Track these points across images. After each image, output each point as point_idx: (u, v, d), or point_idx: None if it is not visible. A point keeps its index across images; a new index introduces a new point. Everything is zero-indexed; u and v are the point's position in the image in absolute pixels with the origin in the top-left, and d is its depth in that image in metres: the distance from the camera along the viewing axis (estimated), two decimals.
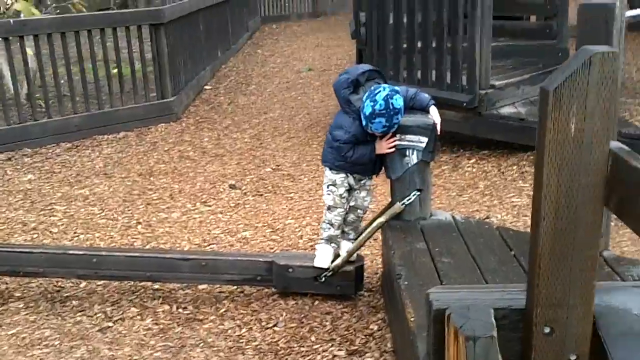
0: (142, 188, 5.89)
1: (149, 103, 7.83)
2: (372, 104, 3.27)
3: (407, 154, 3.43)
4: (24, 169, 6.51)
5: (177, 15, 8.23)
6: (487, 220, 4.82)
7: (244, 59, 11.81)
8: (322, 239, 3.71)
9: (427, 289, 2.72)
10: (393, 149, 3.45)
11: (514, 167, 5.67)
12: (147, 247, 4.75)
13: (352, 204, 3.69)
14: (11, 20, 7.07)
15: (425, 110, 3.49)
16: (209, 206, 5.43)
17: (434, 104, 3.54)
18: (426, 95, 3.56)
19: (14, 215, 5.39)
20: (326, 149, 3.58)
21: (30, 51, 7.20)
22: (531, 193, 4.89)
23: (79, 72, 7.43)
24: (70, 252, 4.02)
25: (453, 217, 3.58)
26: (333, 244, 3.70)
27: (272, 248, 4.58)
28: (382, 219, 3.50)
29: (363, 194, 3.67)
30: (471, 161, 5.98)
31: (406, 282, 2.82)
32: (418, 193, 3.47)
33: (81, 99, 7.51)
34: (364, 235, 3.54)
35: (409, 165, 3.43)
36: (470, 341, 1.88)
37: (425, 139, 3.39)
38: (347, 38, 9.13)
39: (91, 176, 6.26)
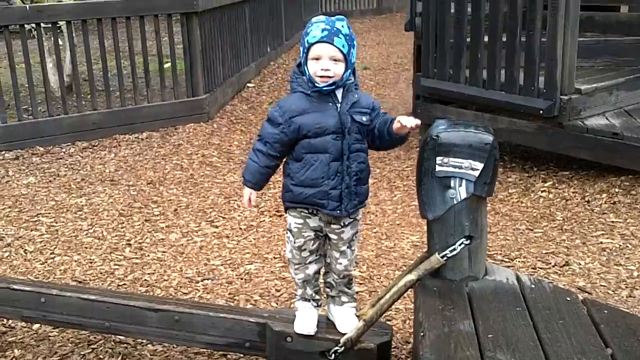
0: (146, 200, 4.98)
1: (177, 101, 6.94)
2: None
3: (452, 184, 2.34)
4: (27, 170, 5.73)
5: (215, 5, 7.31)
6: (566, 266, 3.67)
7: (297, 56, 10.85)
8: (297, 295, 2.73)
9: None
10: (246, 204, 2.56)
11: (603, 195, 4.45)
12: (129, 277, 3.82)
13: (327, 260, 2.64)
14: (27, 6, 6.33)
15: (389, 126, 2.44)
16: (216, 227, 4.45)
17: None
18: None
19: None
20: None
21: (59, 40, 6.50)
22: (626, 232, 3.65)
23: (101, 64, 6.63)
24: (16, 286, 3.10)
25: (518, 277, 2.46)
26: (313, 303, 2.68)
27: (278, 290, 3.56)
28: (412, 276, 2.42)
29: (335, 254, 2.58)
30: (547, 184, 4.80)
31: None
32: (467, 242, 2.38)
33: (102, 95, 6.71)
34: (386, 297, 2.48)
35: (455, 202, 2.34)
36: None
37: (479, 165, 2.30)
38: (412, 36, 8.07)
39: (95, 182, 5.40)
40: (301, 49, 2.43)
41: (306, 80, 2.44)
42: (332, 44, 2.35)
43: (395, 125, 2.39)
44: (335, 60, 2.37)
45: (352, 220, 2.54)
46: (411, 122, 2.35)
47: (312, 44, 2.36)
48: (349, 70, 2.42)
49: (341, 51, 2.36)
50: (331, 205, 2.44)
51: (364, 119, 2.46)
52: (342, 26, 2.39)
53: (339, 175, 2.43)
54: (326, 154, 2.41)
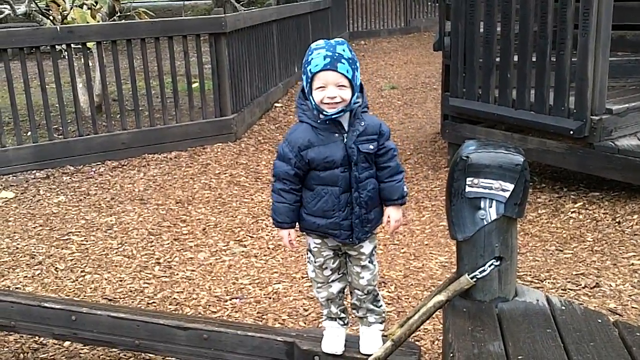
0: (175, 219, 5.02)
1: (205, 120, 7.00)
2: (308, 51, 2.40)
3: (482, 205, 2.32)
4: (58, 190, 5.82)
5: (242, 26, 7.40)
6: (597, 288, 3.61)
7: None
8: (324, 315, 2.72)
9: None
10: (289, 245, 2.59)
11: (634, 217, 4.38)
12: (158, 295, 3.85)
13: (349, 279, 2.63)
14: (58, 27, 6.47)
15: (390, 199, 2.49)
16: (244, 246, 4.47)
17: (405, 201, 2.53)
18: (402, 170, 2.53)
19: (25, 245, 4.65)
20: None
21: (90, 61, 6.64)
22: None
23: (130, 84, 6.74)
24: (47, 304, 3.14)
25: (548, 299, 2.43)
26: (339, 322, 2.67)
27: (306, 310, 3.56)
28: (441, 297, 2.40)
29: (356, 268, 2.57)
30: (577, 205, 4.74)
31: None
32: (497, 263, 2.36)
33: (131, 114, 6.81)
34: (415, 317, 2.46)
35: (485, 223, 2.33)
36: None
37: (510, 186, 2.28)
38: (440, 55, 8.07)
39: (125, 201, 5.47)
40: (304, 77, 2.37)
41: (311, 108, 2.39)
42: (336, 70, 2.30)
43: (385, 217, 2.50)
44: (340, 86, 2.32)
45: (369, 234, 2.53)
46: (392, 228, 2.51)
47: (316, 73, 2.31)
48: (356, 94, 2.37)
49: (346, 77, 2.31)
50: (343, 235, 2.45)
51: (371, 147, 2.41)
52: (344, 50, 2.33)
53: (349, 206, 2.42)
54: (335, 187, 2.40)
